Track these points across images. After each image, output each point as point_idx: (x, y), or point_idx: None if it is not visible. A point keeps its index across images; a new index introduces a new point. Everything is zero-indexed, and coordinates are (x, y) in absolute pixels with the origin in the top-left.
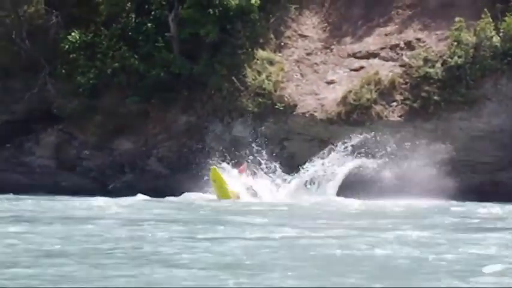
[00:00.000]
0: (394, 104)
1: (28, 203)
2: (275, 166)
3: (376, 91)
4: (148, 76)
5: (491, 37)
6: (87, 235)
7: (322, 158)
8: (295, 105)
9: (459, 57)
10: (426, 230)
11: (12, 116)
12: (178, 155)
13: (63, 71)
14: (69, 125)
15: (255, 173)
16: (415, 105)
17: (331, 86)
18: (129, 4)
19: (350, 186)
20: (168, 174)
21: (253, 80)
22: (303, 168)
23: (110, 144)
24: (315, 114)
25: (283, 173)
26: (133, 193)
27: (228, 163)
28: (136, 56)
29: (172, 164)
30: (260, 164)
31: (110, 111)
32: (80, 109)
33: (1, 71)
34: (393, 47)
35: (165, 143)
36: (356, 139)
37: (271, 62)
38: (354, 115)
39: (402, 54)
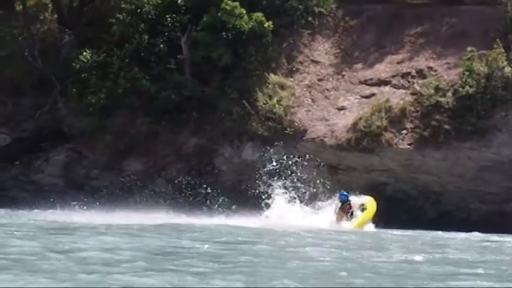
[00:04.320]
0: (404, 132)
1: None
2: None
3: (386, 119)
4: (159, 97)
5: (503, 67)
6: None
7: None
8: (305, 131)
9: (470, 86)
10: None
11: (22, 133)
12: (186, 177)
13: (74, 90)
14: (79, 144)
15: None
16: (425, 133)
17: (342, 112)
18: (142, 25)
19: None
20: (174, 196)
21: (264, 104)
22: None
23: (119, 165)
24: (325, 140)
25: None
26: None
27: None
28: (147, 77)
29: (180, 186)
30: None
31: (120, 131)
32: (90, 128)
33: (12, 88)
34: (405, 75)
35: (174, 165)
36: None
37: (282, 87)
38: (364, 142)
39: (413, 83)
